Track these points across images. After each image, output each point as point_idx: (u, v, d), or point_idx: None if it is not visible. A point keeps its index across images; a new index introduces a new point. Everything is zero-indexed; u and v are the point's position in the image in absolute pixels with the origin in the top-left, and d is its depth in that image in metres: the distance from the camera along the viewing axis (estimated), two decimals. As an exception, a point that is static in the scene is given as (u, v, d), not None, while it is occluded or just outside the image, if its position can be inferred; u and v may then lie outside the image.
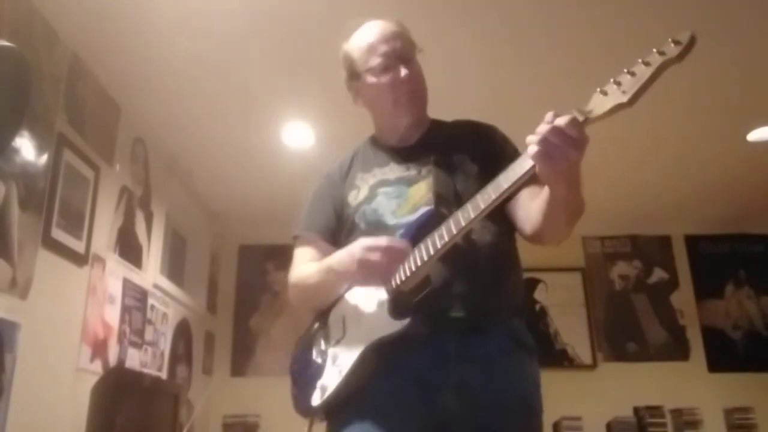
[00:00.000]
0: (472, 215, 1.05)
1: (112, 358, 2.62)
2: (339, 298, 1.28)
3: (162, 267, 3.36)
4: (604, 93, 0.93)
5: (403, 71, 1.30)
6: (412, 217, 1.20)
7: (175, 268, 3.79)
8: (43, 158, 2.15)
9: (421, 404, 1.13)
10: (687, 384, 4.14)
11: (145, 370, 2.96)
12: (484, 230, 1.21)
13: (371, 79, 1.34)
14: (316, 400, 1.22)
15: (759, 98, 2.91)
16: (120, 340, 2.71)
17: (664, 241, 4.57)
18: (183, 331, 3.61)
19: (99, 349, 2.50)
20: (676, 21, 2.33)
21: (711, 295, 4.44)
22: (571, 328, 4.34)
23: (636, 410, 4.01)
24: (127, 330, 2.79)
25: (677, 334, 4.34)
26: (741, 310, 4.42)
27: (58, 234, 2.22)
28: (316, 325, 1.33)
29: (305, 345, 1.33)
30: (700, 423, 3.95)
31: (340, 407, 1.20)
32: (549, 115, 0.96)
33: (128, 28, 2.33)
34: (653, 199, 4.06)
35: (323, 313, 1.31)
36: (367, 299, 1.20)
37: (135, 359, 2.86)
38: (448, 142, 1.34)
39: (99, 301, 2.52)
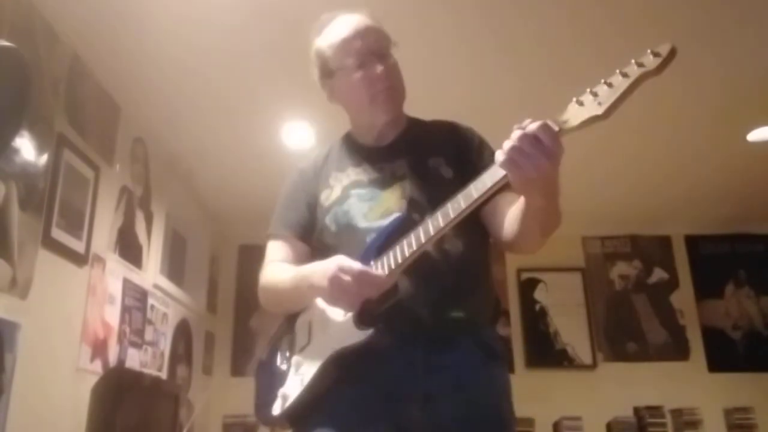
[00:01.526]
0: (441, 224, 1.03)
1: (112, 358, 2.62)
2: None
3: (162, 267, 3.36)
4: (580, 103, 0.90)
5: (379, 67, 1.25)
6: (384, 221, 1.17)
7: (175, 268, 3.79)
8: (43, 158, 2.15)
9: (385, 416, 1.10)
10: (687, 384, 4.14)
11: (145, 370, 2.96)
12: (456, 238, 1.18)
13: (346, 76, 1.28)
14: (277, 409, 1.19)
15: (759, 98, 2.90)
16: (120, 340, 2.71)
17: (664, 241, 4.57)
18: (183, 331, 3.61)
19: (99, 349, 2.50)
20: (672, 21, 2.33)
21: (711, 295, 4.44)
22: (571, 328, 4.34)
23: (636, 410, 4.01)
24: (127, 330, 2.79)
25: (677, 334, 4.34)
26: (741, 310, 4.42)
27: (58, 234, 2.22)
28: (283, 329, 1.30)
29: (272, 350, 1.30)
30: (700, 423, 3.95)
31: (301, 417, 1.17)
32: (525, 122, 0.94)
33: (128, 28, 2.33)
34: (653, 200, 4.06)
35: (291, 316, 1.29)
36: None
37: (135, 359, 2.86)
38: (424, 144, 1.31)
39: (99, 301, 2.52)
